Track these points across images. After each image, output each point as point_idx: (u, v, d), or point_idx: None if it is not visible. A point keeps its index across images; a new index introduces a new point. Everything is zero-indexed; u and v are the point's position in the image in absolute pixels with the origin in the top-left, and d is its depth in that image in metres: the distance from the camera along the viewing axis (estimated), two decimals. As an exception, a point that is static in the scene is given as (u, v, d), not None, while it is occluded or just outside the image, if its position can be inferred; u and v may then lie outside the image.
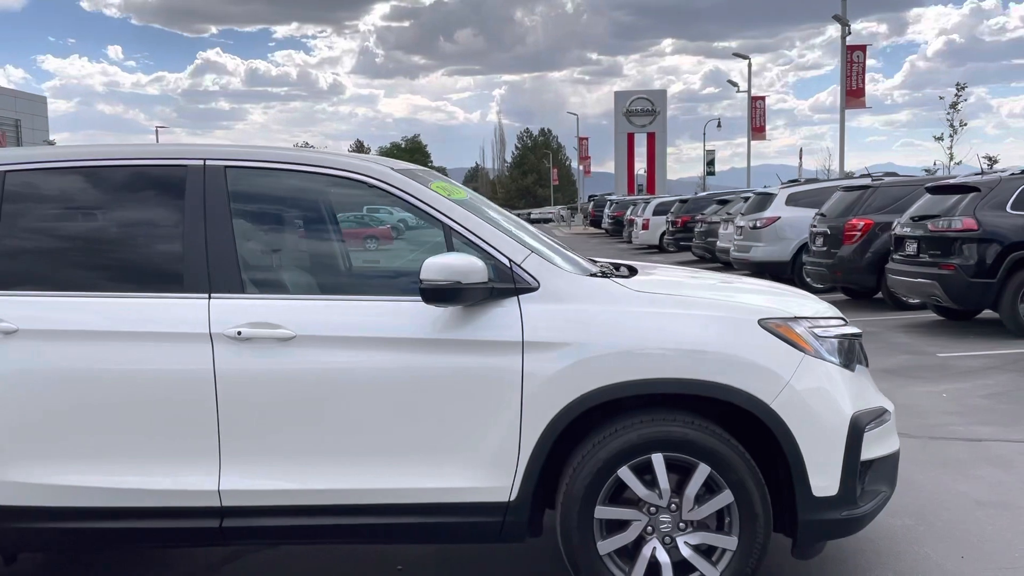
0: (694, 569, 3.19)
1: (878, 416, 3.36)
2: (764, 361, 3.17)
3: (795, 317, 3.31)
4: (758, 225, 14.88)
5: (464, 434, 3.18)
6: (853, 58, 28.67)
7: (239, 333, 3.17)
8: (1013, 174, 9.66)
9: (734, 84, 42.49)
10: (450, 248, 3.28)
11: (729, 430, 3.23)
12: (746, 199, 17.37)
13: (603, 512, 3.19)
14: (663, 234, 25.89)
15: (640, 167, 54.08)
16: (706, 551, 3.21)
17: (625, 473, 3.17)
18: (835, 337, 3.37)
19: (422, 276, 3.06)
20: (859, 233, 11.90)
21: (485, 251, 3.25)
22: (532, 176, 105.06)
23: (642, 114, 54.01)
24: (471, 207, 3.47)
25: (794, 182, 18.48)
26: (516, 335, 3.16)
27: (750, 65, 40.70)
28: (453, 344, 3.18)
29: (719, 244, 17.66)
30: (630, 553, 3.22)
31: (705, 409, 3.27)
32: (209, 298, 3.24)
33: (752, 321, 3.24)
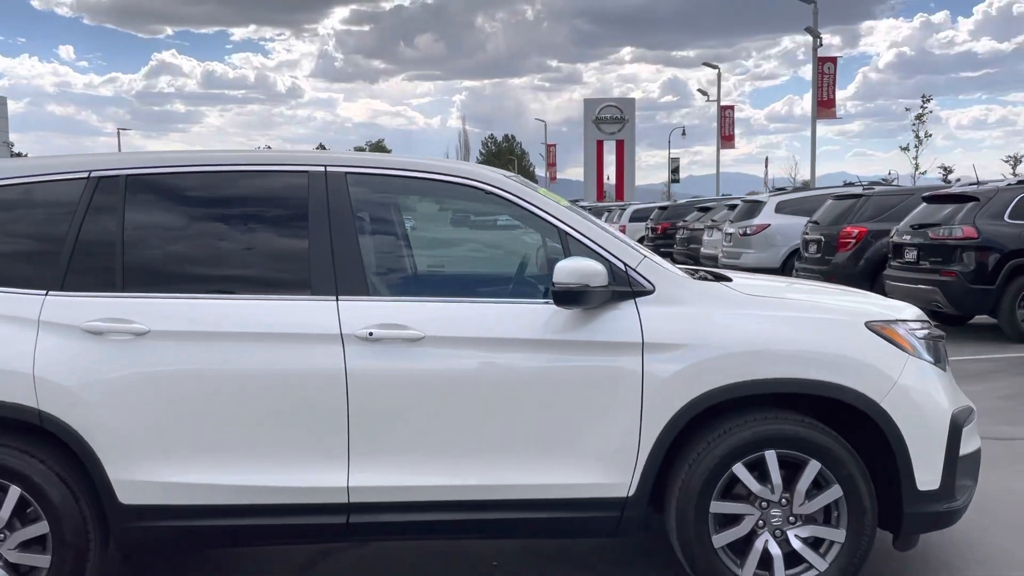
0: (803, 561, 3.34)
1: (969, 414, 3.54)
2: (874, 361, 3.33)
3: (896, 319, 3.48)
4: (748, 232, 15.20)
5: (585, 432, 3.30)
6: (824, 69, 29.31)
7: (370, 334, 3.24)
8: (1010, 184, 10.05)
9: (704, 93, 43.18)
10: (567, 253, 3.40)
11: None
12: (732, 206, 17.71)
13: (718, 507, 3.32)
14: (641, 240, 26.22)
15: (608, 174, 54.64)
16: (814, 543, 3.36)
17: (739, 469, 3.31)
18: (927, 338, 3.55)
19: (555, 279, 3.18)
20: (854, 241, 12.23)
21: (601, 255, 3.37)
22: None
23: (611, 121, 54.37)
24: (580, 213, 3.59)
25: (781, 190, 18.89)
26: (636, 337, 3.28)
27: (719, 75, 41.40)
28: (576, 345, 3.29)
29: (703, 251, 17.98)
30: (740, 547, 3.36)
31: (805, 407, 3.43)
32: (337, 300, 3.31)
33: (859, 323, 3.40)
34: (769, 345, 3.32)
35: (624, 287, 3.33)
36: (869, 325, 3.40)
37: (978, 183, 10.64)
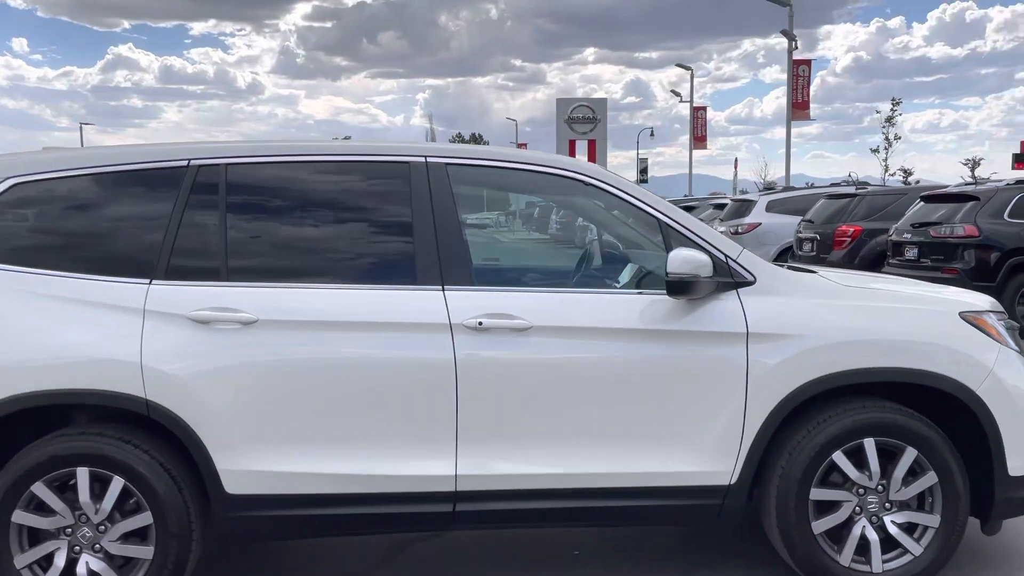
0: (899, 546, 3.42)
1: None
2: (970, 350, 3.42)
3: (986, 310, 3.58)
4: (740, 231, 15.37)
5: (691, 420, 3.34)
6: (799, 72, 29.69)
7: (480, 324, 3.25)
8: (1008, 184, 10.31)
9: (677, 94, 43.56)
10: (667, 244, 3.43)
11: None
12: (719, 206, 17.92)
13: (817, 494, 3.38)
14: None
15: (579, 174, 54.81)
16: (908, 528, 3.44)
17: (839, 457, 3.37)
18: (1008, 328, 3.65)
19: (669, 269, 3.22)
20: (849, 239, 12.46)
21: (701, 247, 3.41)
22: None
23: (584, 121, 54.16)
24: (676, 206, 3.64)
25: (770, 190, 19.15)
26: (741, 327, 3.34)
27: (692, 76, 41.79)
28: (682, 335, 3.33)
29: (691, 249, 18.15)
30: (836, 533, 3.42)
31: (896, 395, 3.50)
32: (443, 290, 3.31)
33: (953, 313, 3.49)
34: (869, 335, 3.39)
35: (726, 278, 3.38)
36: (963, 315, 3.49)
37: (975, 182, 10.91)
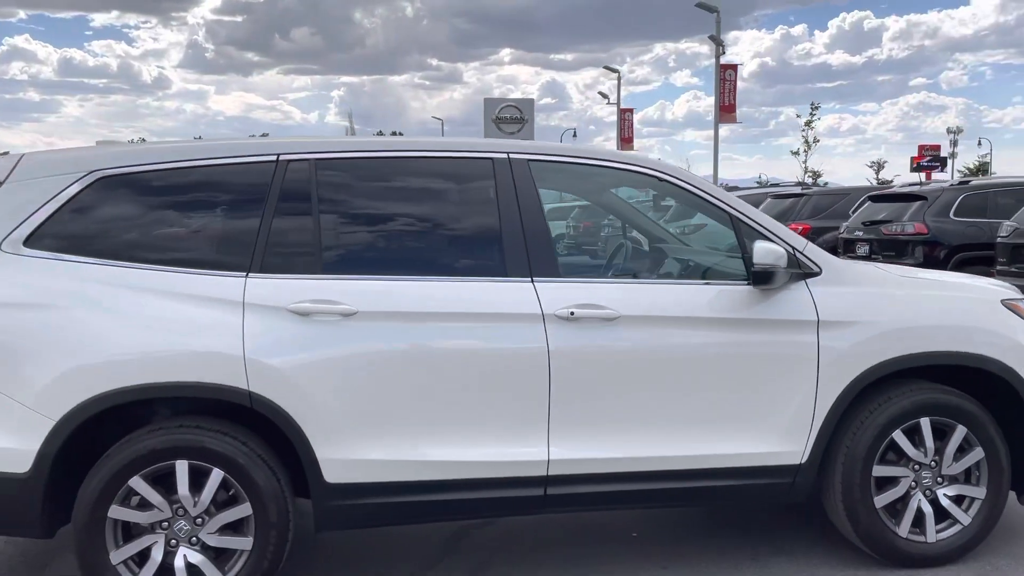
0: (949, 517, 3.69)
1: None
2: (1013, 335, 3.71)
3: (1022, 298, 3.88)
4: (687, 231, 15.83)
5: (768, 403, 3.54)
6: (726, 76, 30.61)
7: (572, 314, 3.38)
8: (953, 185, 10.97)
9: (605, 96, 44.31)
10: (739, 237, 3.63)
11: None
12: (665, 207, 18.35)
13: (879, 471, 3.62)
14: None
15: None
16: (957, 500, 3.72)
17: (899, 435, 3.62)
18: None
19: (755, 260, 3.40)
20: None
21: (770, 239, 3.61)
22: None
23: (511, 121, 54.41)
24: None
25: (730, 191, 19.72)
26: (812, 315, 3.55)
27: (619, 78, 42.55)
28: (761, 323, 3.53)
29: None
30: (893, 507, 3.67)
31: (940, 377, 3.77)
32: (532, 281, 3.43)
33: (996, 301, 3.79)
34: (926, 321, 3.65)
35: (796, 269, 3.59)
36: (1004, 303, 3.79)
37: (921, 183, 11.56)
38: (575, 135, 70.52)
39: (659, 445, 3.48)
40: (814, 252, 3.68)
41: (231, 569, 3.25)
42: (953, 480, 3.72)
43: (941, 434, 3.68)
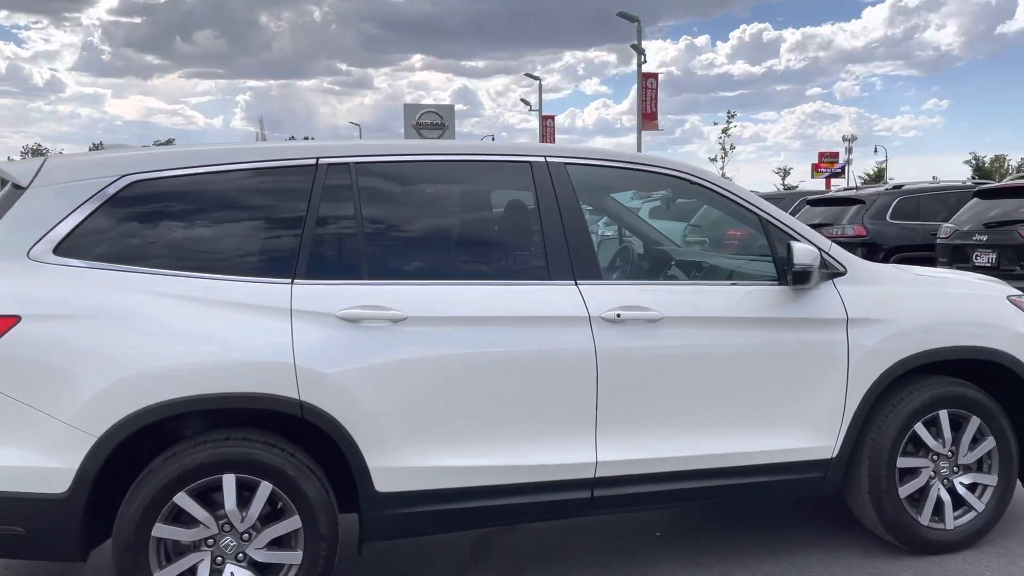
0: (964, 503, 3.86)
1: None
2: (1020, 328, 3.91)
3: (1023, 295, 4.10)
4: (686, 233, 16.10)
5: (803, 400, 3.63)
6: (647, 84, 31.30)
7: (618, 316, 3.41)
8: (888, 190, 11.49)
9: (527, 103, 44.64)
10: (768, 240, 3.72)
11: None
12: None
13: (903, 462, 3.76)
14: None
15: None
16: (971, 488, 3.89)
17: (920, 428, 3.77)
18: None
19: (796, 260, 3.49)
20: (737, 241, 13.38)
21: (800, 240, 3.71)
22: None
23: (432, 128, 54.73)
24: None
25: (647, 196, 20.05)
26: (841, 313, 3.67)
27: (541, 85, 42.96)
28: (796, 322, 3.62)
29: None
30: (914, 496, 3.82)
31: (951, 370, 3.94)
32: (576, 284, 3.44)
33: (1003, 298, 3.99)
34: (944, 317, 3.82)
35: (825, 268, 3.70)
36: (1010, 299, 3.99)
37: (857, 188, 12.04)
38: (493, 139, 71.06)
39: (701, 443, 3.53)
40: (839, 252, 3.80)
41: None
42: (968, 469, 3.89)
43: (956, 425, 3.85)
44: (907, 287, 3.88)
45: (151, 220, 3.27)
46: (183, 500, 3.05)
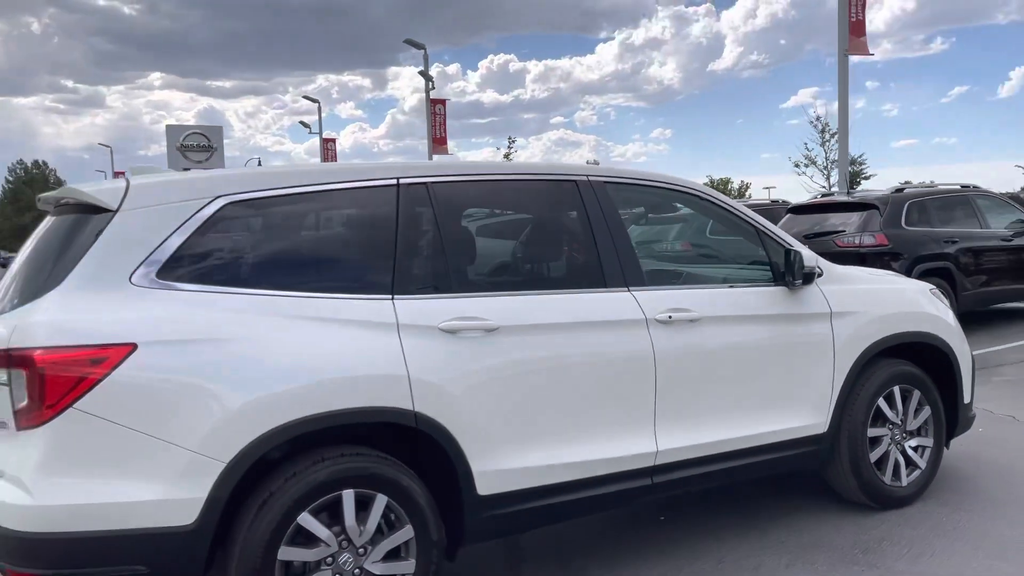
0: (913, 463, 4.63)
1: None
2: (942, 315, 4.76)
3: (934, 287, 4.98)
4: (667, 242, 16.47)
5: (804, 383, 4.22)
6: (436, 110, 32.04)
7: (670, 317, 3.81)
8: (895, 192, 10.72)
9: (306, 125, 43.82)
10: (765, 249, 4.28)
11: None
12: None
13: (871, 432, 4.46)
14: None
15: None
16: (916, 450, 4.67)
17: (881, 402, 4.49)
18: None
19: (805, 264, 4.08)
20: (692, 248, 13.99)
21: (787, 248, 4.31)
22: (31, 213, 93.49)
23: (199, 149, 52.56)
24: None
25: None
26: (826, 308, 4.31)
27: (320, 108, 42.39)
28: (799, 317, 4.22)
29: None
30: (878, 461, 4.52)
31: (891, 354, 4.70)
32: (629, 290, 3.80)
33: (927, 291, 4.82)
34: (896, 308, 4.58)
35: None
36: (931, 292, 4.84)
37: (849, 192, 12.43)
38: (260, 163, 68.77)
39: (732, 428, 4.00)
40: (812, 256, 4.45)
41: None
42: (913, 435, 4.67)
43: (904, 399, 4.61)
44: (866, 284, 4.61)
45: (248, 241, 3.24)
46: (306, 520, 3.06)
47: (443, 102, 32.47)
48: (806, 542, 4.16)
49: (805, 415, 4.24)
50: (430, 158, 31.77)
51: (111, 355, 2.83)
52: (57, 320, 2.85)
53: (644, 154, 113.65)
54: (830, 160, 33.18)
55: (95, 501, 2.79)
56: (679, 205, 4.39)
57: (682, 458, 3.87)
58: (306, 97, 44.16)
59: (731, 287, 4.19)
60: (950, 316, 4.83)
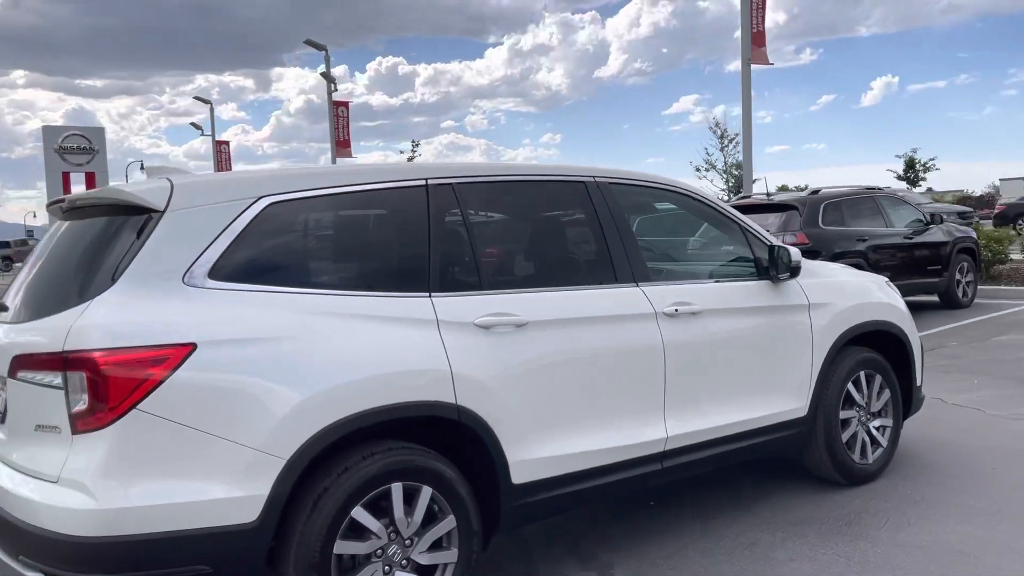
0: (876, 441, 5.01)
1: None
2: (901, 306, 5.17)
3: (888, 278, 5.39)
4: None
5: (789, 370, 4.52)
6: (339, 112, 31.65)
7: (676, 310, 4.02)
8: (811, 194, 11.29)
9: (198, 127, 42.39)
10: (750, 246, 4.57)
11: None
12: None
13: (843, 414, 4.81)
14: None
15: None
16: (879, 429, 5.05)
17: (850, 387, 4.85)
18: None
19: (793, 259, 4.38)
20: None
21: (768, 244, 4.60)
22: None
23: (79, 152, 50.09)
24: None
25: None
26: (804, 300, 4.62)
27: (212, 109, 41.15)
28: (784, 308, 4.52)
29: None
30: (848, 441, 4.87)
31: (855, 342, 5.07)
32: (638, 285, 4.00)
33: (884, 282, 5.22)
34: (861, 299, 4.94)
35: None
36: (886, 283, 5.24)
37: (768, 194, 12.77)
38: (142, 167, 66.18)
39: (730, 413, 4.26)
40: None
41: None
42: (875, 416, 5.05)
43: (868, 382, 4.99)
44: (835, 277, 4.97)
45: (292, 241, 3.28)
46: (360, 514, 3.12)
47: (346, 104, 32.14)
48: (792, 518, 4.46)
49: (790, 400, 4.54)
50: (333, 162, 31.38)
51: (171, 355, 2.82)
52: (114, 322, 2.82)
53: (535, 158, 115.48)
54: (730, 164, 34.49)
55: (161, 502, 2.78)
56: (671, 205, 4.60)
57: (688, 443, 4.09)
58: (198, 98, 42.68)
59: (727, 281, 4.45)
60: (903, 305, 5.25)
